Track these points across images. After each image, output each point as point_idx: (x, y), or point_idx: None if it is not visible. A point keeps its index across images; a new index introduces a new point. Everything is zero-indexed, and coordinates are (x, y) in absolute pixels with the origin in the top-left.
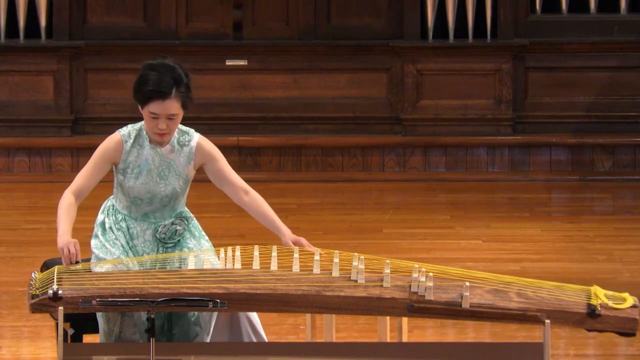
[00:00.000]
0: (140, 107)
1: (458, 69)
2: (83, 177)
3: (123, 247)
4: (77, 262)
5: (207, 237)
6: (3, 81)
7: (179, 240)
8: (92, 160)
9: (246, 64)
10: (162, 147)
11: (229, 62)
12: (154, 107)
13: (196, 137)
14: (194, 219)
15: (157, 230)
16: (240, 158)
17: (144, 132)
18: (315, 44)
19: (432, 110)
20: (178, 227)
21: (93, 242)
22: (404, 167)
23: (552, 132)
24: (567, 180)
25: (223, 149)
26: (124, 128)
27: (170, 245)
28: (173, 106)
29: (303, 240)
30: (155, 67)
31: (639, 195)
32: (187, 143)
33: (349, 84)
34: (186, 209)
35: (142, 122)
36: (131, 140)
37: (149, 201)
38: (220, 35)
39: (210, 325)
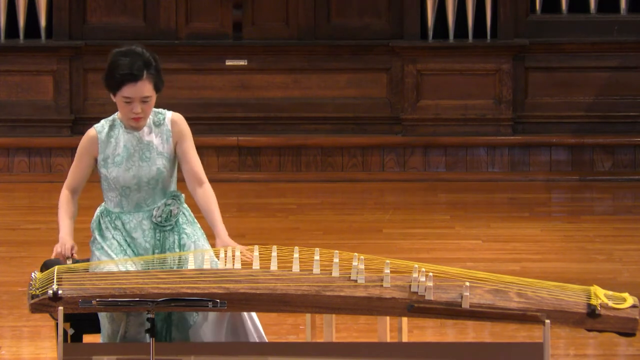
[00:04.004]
0: (112, 95)
1: (458, 69)
2: (72, 173)
3: (121, 246)
4: (70, 257)
5: (199, 225)
6: (3, 81)
7: (175, 222)
8: (75, 157)
9: (246, 64)
10: (139, 130)
11: (228, 62)
12: (127, 91)
13: (169, 115)
14: (183, 195)
15: (152, 215)
16: (240, 158)
17: (118, 121)
18: (315, 44)
19: (432, 110)
20: (172, 208)
21: (92, 245)
22: (404, 167)
23: (552, 132)
24: (567, 180)
25: (223, 149)
26: (99, 122)
27: (168, 228)
28: (145, 88)
29: (239, 247)
30: (125, 53)
31: (639, 195)
32: (162, 121)
33: (349, 84)
34: (176, 189)
35: (116, 113)
36: (105, 130)
37: (137, 188)
38: (220, 35)
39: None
